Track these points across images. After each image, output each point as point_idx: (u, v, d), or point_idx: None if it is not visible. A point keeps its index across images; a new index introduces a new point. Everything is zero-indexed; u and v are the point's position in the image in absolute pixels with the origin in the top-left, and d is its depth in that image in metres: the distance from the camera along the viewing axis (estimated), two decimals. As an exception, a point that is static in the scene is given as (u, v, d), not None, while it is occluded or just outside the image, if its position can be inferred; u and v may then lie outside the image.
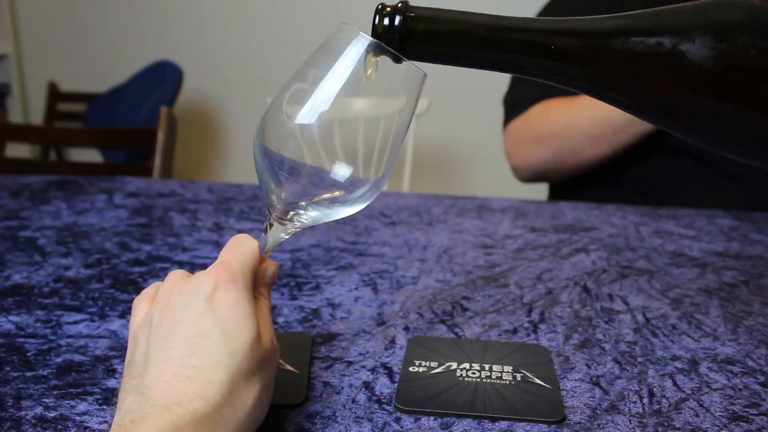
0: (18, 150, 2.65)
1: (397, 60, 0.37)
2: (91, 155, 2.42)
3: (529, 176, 1.08)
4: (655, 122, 0.34)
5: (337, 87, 0.37)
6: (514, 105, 1.07)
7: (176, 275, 0.39)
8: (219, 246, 0.72)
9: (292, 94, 0.38)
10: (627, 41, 0.31)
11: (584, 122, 0.98)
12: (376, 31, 0.36)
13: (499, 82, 1.16)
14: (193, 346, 0.34)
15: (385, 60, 0.37)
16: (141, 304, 0.39)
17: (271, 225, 0.43)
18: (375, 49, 0.37)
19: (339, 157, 0.39)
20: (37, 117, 2.82)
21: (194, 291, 0.36)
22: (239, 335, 0.35)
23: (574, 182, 1.08)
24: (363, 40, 0.37)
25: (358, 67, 0.37)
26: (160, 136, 1.27)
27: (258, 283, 0.40)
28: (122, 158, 2.11)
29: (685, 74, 0.29)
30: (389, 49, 0.36)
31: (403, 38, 0.35)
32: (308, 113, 0.38)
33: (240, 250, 0.39)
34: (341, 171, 0.39)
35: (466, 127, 2.34)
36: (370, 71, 0.37)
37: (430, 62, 0.37)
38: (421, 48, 0.36)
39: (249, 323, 0.35)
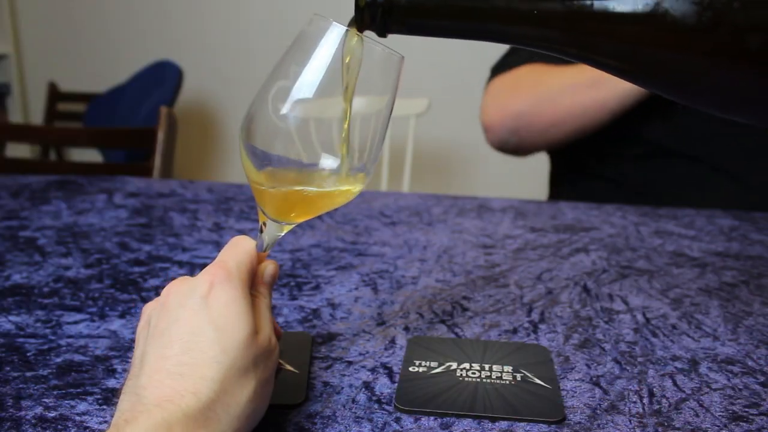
0: (18, 150, 2.65)
1: (381, 34, 0.37)
2: (91, 155, 2.42)
3: (502, 134, 1.04)
4: (641, 83, 0.34)
5: (319, 78, 0.38)
6: (501, 66, 1.06)
7: (178, 278, 0.40)
8: (219, 246, 0.72)
9: (276, 91, 0.39)
10: (609, 2, 0.31)
11: (566, 72, 0.97)
12: (359, 7, 0.36)
13: (499, 82, 1.17)
14: (187, 343, 0.34)
15: (365, 50, 0.38)
16: (148, 309, 0.40)
17: (265, 224, 0.43)
18: (353, 34, 0.37)
19: (326, 150, 0.39)
20: (37, 117, 2.82)
21: (190, 290, 0.37)
22: (233, 332, 0.35)
23: (573, 182, 1.08)
24: (337, 29, 0.37)
25: (336, 55, 0.38)
26: (160, 136, 1.27)
27: (257, 282, 0.41)
28: (122, 158, 2.11)
29: (670, 32, 0.29)
30: (362, 35, 0.37)
31: (386, 12, 0.35)
32: (294, 108, 0.38)
33: (237, 250, 0.40)
34: (328, 163, 0.39)
35: (466, 127, 2.34)
36: (348, 58, 0.38)
37: (414, 35, 0.37)
38: (405, 21, 0.36)
39: (243, 320, 0.36)
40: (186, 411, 0.31)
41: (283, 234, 0.44)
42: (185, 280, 0.38)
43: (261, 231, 0.43)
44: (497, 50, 1.42)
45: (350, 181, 0.41)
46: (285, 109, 0.38)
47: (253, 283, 0.40)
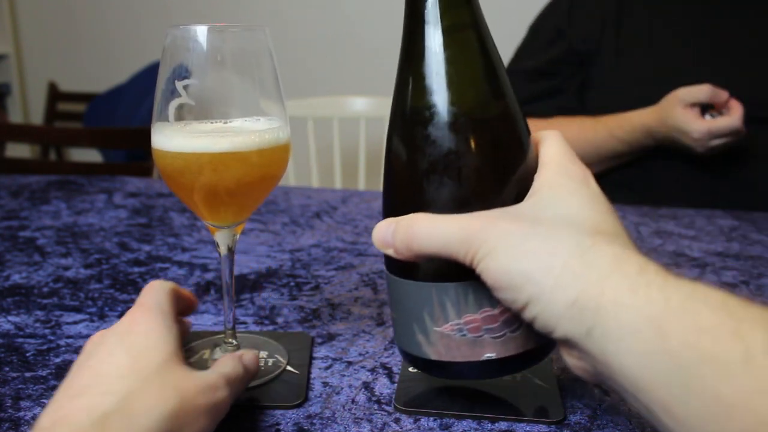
0: (18, 150, 2.65)
1: None
2: (91, 155, 2.42)
3: None
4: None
5: (207, 73, 0.41)
6: None
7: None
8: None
9: (176, 109, 0.41)
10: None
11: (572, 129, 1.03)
12: None
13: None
14: (96, 370, 0.34)
15: (231, 39, 0.41)
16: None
17: (217, 244, 0.46)
18: None
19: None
20: (37, 117, 2.82)
21: (109, 331, 0.37)
22: (148, 355, 0.34)
23: None
24: (199, 29, 0.40)
25: (210, 49, 0.40)
26: (160, 136, 1.27)
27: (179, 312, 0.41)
28: (122, 158, 2.11)
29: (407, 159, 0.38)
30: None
31: None
32: (205, 109, 0.41)
33: (153, 291, 0.40)
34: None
35: (466, 127, 2.34)
36: None
37: None
38: None
39: (161, 345, 0.35)
40: (74, 426, 0.30)
41: (238, 235, 0.46)
42: (106, 329, 0.38)
43: (217, 246, 0.46)
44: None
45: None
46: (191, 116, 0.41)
47: (175, 313, 0.40)
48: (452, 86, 0.36)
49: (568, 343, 0.32)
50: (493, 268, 0.32)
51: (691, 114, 0.90)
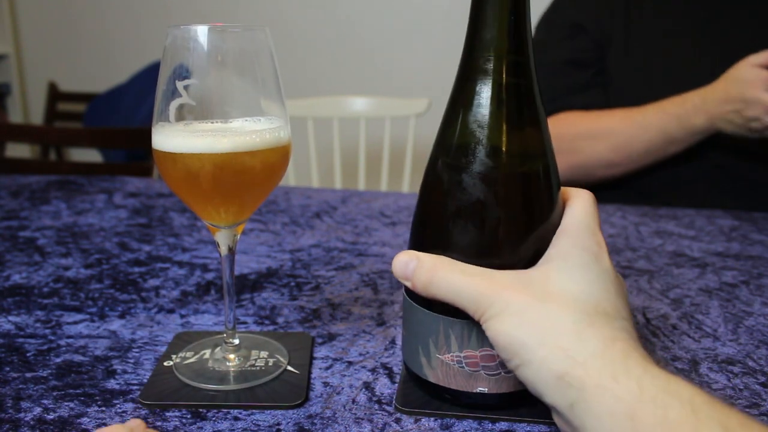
0: (18, 150, 2.66)
1: None
2: (91, 155, 2.42)
3: None
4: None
5: (208, 73, 0.41)
6: None
7: None
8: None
9: (177, 109, 0.41)
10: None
11: (602, 147, 0.99)
12: None
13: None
14: None
15: (231, 39, 0.41)
16: None
17: (218, 244, 0.46)
18: None
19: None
20: (37, 117, 2.82)
21: None
22: None
23: (573, 182, 1.08)
24: (199, 29, 0.40)
25: (211, 49, 0.40)
26: (160, 136, 1.27)
27: None
28: (122, 158, 2.11)
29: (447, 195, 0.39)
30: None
31: None
32: (205, 109, 0.41)
33: None
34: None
35: (466, 127, 2.34)
36: None
37: None
38: None
39: None
40: None
41: (238, 235, 0.46)
42: None
43: (218, 246, 0.46)
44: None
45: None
46: (191, 115, 0.41)
47: None
48: (493, 139, 0.37)
49: (555, 410, 0.34)
50: (495, 329, 0.35)
51: (761, 72, 0.86)
